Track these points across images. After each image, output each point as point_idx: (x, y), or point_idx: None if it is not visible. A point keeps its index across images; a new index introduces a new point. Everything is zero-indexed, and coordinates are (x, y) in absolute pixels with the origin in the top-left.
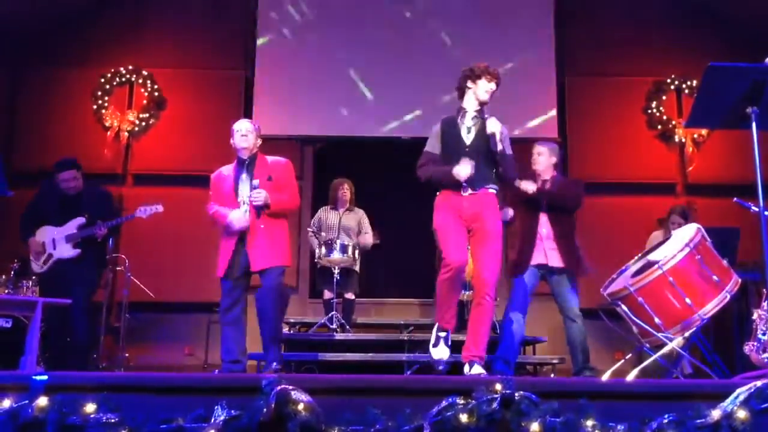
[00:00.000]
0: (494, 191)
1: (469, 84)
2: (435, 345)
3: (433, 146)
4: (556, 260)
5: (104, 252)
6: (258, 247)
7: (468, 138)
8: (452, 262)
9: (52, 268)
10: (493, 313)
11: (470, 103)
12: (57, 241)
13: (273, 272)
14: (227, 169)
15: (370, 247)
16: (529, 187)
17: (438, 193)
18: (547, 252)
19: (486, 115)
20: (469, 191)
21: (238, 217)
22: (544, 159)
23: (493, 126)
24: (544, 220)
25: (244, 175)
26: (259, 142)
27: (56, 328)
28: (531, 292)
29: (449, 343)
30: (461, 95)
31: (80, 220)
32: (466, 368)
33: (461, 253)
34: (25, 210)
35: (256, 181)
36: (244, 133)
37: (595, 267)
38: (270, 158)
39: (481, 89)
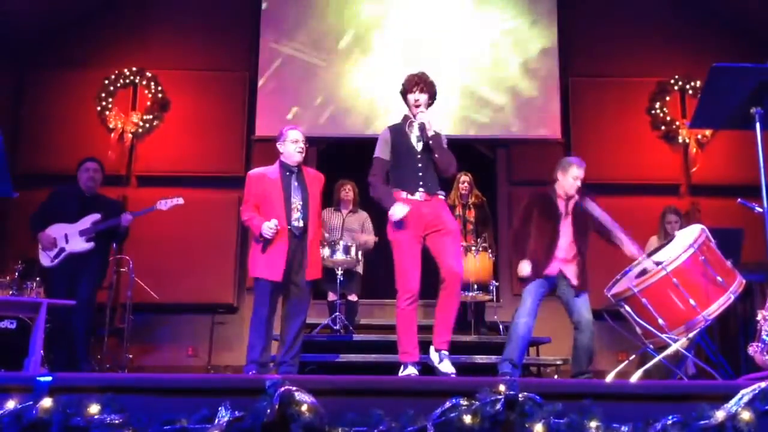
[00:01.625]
0: (443, 197)
1: (405, 100)
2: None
3: (383, 152)
4: (573, 279)
5: (109, 252)
6: (315, 256)
7: (419, 146)
8: (412, 290)
9: (62, 263)
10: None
11: (412, 113)
12: (70, 236)
13: (313, 284)
14: (272, 173)
15: (372, 247)
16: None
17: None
18: (566, 272)
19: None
20: (425, 196)
21: (271, 228)
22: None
23: (422, 117)
24: (566, 241)
25: (295, 183)
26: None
27: (60, 326)
28: (541, 298)
29: (418, 368)
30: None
31: (95, 216)
32: (434, 357)
33: (417, 281)
34: (37, 209)
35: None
36: (302, 147)
37: (598, 273)
38: (308, 169)
39: (410, 103)
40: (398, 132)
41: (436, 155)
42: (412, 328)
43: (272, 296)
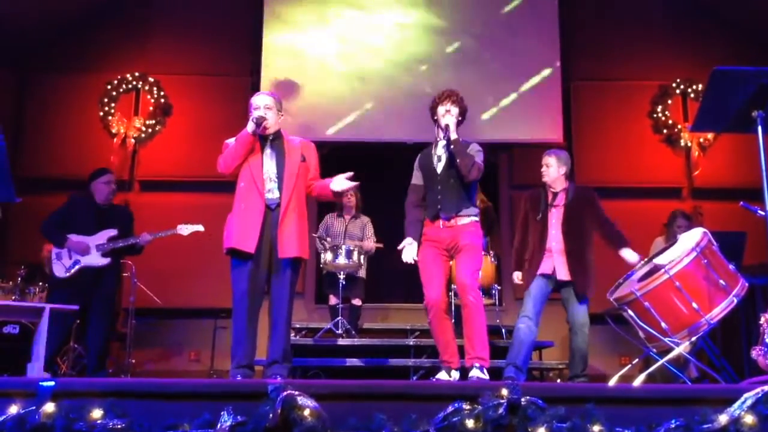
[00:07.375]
0: (472, 217)
1: (435, 116)
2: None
3: (415, 177)
4: (563, 273)
5: (120, 266)
6: (289, 230)
7: (439, 166)
8: (428, 300)
9: (75, 275)
10: (482, 311)
11: (439, 132)
12: (89, 249)
13: (296, 264)
14: None
15: (374, 251)
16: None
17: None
18: (555, 265)
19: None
20: (443, 223)
21: (254, 117)
22: (553, 170)
23: (447, 119)
24: (555, 234)
25: (269, 151)
26: (282, 116)
27: (59, 333)
28: (543, 300)
29: (451, 375)
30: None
31: (111, 231)
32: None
33: (436, 290)
34: (50, 219)
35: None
36: (265, 111)
37: (600, 277)
38: (293, 137)
39: (439, 115)
40: (425, 155)
41: (458, 160)
42: (441, 337)
43: (251, 276)
